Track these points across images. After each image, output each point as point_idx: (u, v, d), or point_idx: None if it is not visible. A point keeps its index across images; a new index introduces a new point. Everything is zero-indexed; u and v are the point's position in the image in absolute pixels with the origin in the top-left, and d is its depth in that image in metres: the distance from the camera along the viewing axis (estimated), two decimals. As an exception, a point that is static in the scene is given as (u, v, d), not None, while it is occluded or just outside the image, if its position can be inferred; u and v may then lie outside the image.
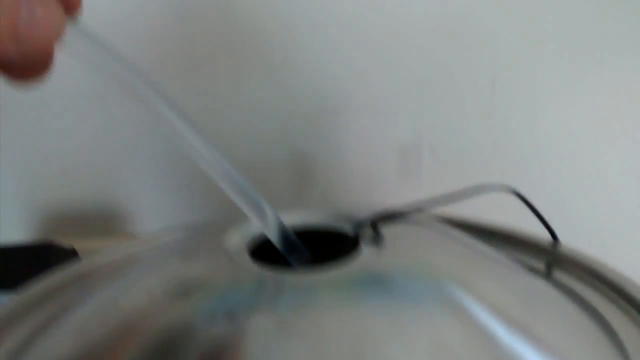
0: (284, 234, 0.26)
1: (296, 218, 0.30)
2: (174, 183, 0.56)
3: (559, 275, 0.32)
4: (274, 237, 0.26)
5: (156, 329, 0.22)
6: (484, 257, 0.29)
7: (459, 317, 0.22)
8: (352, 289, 0.22)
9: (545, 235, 0.35)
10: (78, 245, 0.49)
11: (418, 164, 0.55)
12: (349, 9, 0.51)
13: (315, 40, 0.52)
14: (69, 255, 0.47)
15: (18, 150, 0.54)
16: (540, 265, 0.34)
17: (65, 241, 0.49)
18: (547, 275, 0.32)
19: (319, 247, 0.28)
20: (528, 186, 0.34)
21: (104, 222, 0.56)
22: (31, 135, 0.54)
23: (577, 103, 0.54)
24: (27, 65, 0.19)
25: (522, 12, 0.52)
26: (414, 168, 0.55)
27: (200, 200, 0.56)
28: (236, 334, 0.20)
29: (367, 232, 0.28)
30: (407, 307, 0.22)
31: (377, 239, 0.27)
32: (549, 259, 0.34)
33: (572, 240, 0.34)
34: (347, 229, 0.29)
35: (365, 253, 0.26)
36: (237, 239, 0.28)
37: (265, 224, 0.25)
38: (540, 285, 0.30)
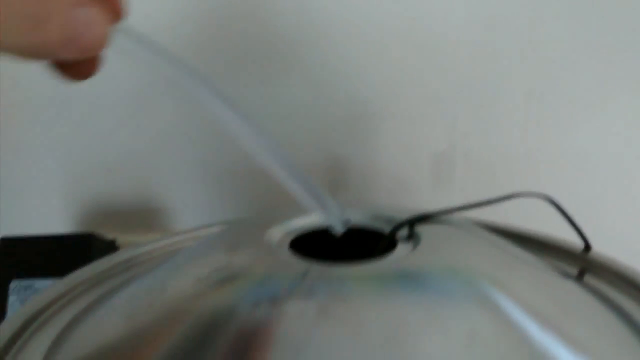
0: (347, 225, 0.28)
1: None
2: (213, 180, 0.57)
3: (591, 280, 0.33)
4: (337, 225, 0.27)
5: (201, 312, 0.23)
6: (518, 259, 0.30)
7: (492, 312, 0.22)
8: (387, 281, 0.23)
9: (578, 243, 0.35)
10: (118, 239, 0.51)
11: (451, 171, 0.55)
12: (388, 19, 0.52)
13: (353, 48, 0.53)
14: (109, 246, 0.48)
15: (64, 148, 0.56)
16: (572, 270, 0.34)
17: (107, 235, 0.50)
18: (579, 279, 0.33)
19: (358, 244, 0.29)
20: (561, 195, 0.34)
21: (144, 217, 0.57)
22: (76, 134, 0.56)
23: (613, 114, 0.54)
24: (77, 65, 0.20)
25: (560, 23, 0.52)
26: (447, 175, 0.55)
27: (238, 197, 0.57)
28: (277, 317, 0.21)
29: (404, 231, 0.29)
30: (441, 301, 0.23)
31: (413, 238, 0.28)
32: (581, 264, 0.34)
33: (605, 250, 0.34)
34: (385, 228, 0.30)
35: (401, 250, 0.26)
36: (279, 234, 0.29)
37: (329, 214, 0.27)
38: (572, 287, 0.30)
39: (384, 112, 0.54)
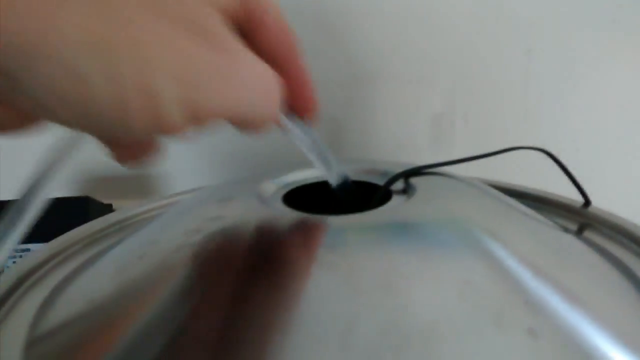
0: (345, 180, 0.27)
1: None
2: (211, 147, 0.57)
3: (590, 234, 0.32)
4: (335, 181, 0.27)
5: (191, 262, 0.23)
6: (515, 210, 0.29)
7: (485, 260, 0.22)
8: (379, 230, 0.23)
9: (577, 199, 0.35)
10: (115, 206, 0.51)
11: (451, 133, 0.55)
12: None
13: (350, 10, 0.52)
14: (106, 209, 0.48)
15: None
16: (572, 226, 0.34)
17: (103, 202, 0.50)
18: (579, 234, 0.32)
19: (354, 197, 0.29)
20: (562, 155, 0.34)
21: (141, 184, 0.57)
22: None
23: (612, 73, 0.53)
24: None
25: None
26: (446, 137, 0.55)
27: (236, 163, 0.57)
28: (269, 265, 0.21)
29: (400, 184, 0.28)
30: (434, 249, 0.22)
31: (408, 190, 0.27)
32: (580, 220, 0.34)
33: (606, 208, 0.34)
34: (381, 182, 0.29)
35: (396, 201, 0.26)
36: (272, 188, 0.29)
37: (329, 171, 0.26)
38: (569, 240, 0.30)
39: (383, 74, 0.53)
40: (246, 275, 0.21)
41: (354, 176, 0.30)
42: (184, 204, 0.29)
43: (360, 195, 0.29)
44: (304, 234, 0.23)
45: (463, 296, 0.20)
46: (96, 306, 0.24)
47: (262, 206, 0.25)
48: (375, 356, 0.18)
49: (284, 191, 0.28)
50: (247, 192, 0.27)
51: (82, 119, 0.16)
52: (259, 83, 0.20)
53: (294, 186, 0.29)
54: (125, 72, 0.16)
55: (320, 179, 0.29)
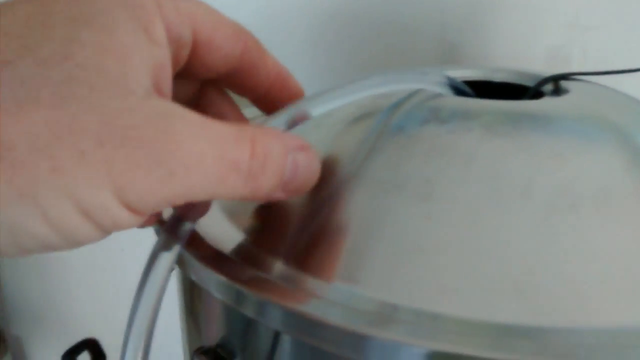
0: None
1: (478, 73, 0.32)
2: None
3: None
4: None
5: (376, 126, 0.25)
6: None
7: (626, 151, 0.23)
8: (546, 115, 0.25)
9: None
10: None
11: (566, 68, 0.54)
12: None
13: None
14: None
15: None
16: None
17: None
18: None
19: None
20: None
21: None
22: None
23: None
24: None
25: None
26: (562, 70, 0.55)
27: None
28: (449, 132, 0.23)
29: (550, 87, 0.30)
30: (602, 131, 0.24)
31: (560, 91, 0.29)
32: None
33: None
34: (530, 83, 0.31)
35: (547, 98, 0.28)
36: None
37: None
38: None
39: (500, 2, 0.53)
40: (419, 140, 0.24)
41: (506, 79, 0.32)
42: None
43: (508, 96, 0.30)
44: (476, 109, 0.25)
45: (631, 168, 0.22)
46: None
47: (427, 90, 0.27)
48: (554, 208, 0.21)
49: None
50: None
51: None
52: (201, 167, 0.17)
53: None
54: (53, 211, 0.16)
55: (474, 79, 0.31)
